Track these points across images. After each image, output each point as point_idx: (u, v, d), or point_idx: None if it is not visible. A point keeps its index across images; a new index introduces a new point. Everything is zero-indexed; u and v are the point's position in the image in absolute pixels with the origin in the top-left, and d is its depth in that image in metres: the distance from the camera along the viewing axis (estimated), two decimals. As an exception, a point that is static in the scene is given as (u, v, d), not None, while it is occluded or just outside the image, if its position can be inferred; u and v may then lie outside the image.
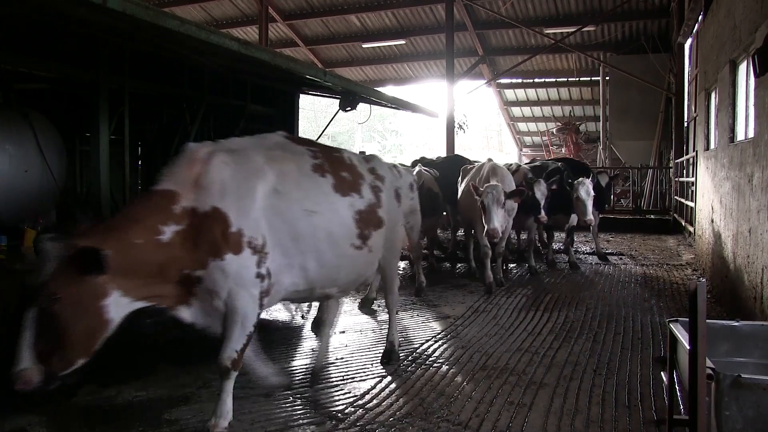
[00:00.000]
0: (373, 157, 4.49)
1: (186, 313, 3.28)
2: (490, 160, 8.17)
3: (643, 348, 5.13)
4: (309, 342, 5.47)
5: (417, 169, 8.89)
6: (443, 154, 17.70)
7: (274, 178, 3.46)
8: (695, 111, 11.97)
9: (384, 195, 4.20)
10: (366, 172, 4.14)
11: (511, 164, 9.50)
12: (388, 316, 4.93)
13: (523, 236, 10.49)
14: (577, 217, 8.55)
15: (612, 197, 9.63)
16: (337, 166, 3.89)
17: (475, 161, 9.73)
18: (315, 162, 3.76)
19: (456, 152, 17.34)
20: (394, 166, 5.64)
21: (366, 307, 6.76)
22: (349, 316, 6.41)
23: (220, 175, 3.32)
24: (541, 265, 9.13)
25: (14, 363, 2.71)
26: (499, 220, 6.96)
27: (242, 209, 3.30)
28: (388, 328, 4.90)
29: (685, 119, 15.23)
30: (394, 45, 22.36)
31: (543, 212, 8.13)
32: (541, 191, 8.13)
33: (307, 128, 33.03)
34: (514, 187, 7.47)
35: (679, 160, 14.50)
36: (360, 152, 10.89)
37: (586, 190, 8.24)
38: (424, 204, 8.14)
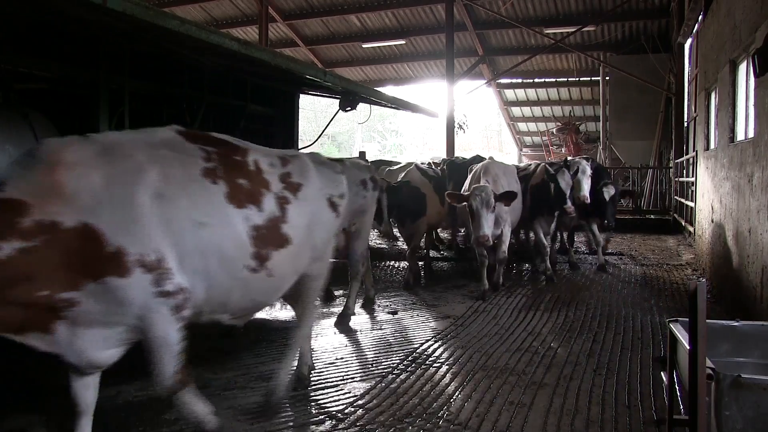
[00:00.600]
0: (295, 157, 3.79)
1: (42, 341, 2.74)
2: (491, 158, 8.04)
3: (643, 348, 5.13)
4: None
5: (411, 167, 8.58)
6: (443, 154, 17.75)
7: (158, 181, 2.92)
8: (695, 111, 11.98)
9: (295, 208, 3.53)
10: (275, 180, 3.51)
11: (530, 164, 9.21)
12: (293, 344, 4.11)
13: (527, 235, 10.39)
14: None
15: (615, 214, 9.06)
16: (234, 171, 3.31)
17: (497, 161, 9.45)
18: (206, 166, 3.18)
19: (456, 152, 17.35)
20: (340, 161, 5.29)
21: (366, 307, 6.77)
22: (349, 316, 6.40)
23: (90, 182, 2.75)
24: (544, 266, 8.93)
25: None
26: (489, 225, 6.41)
27: (121, 223, 2.78)
28: (281, 367, 3.97)
29: (685, 119, 15.24)
30: (394, 45, 22.38)
31: (569, 202, 7.74)
32: (565, 181, 7.76)
33: (307, 128, 33.07)
34: (514, 187, 7.14)
35: (679, 160, 14.51)
36: (360, 152, 10.90)
37: (582, 169, 8.18)
38: (409, 205, 7.70)
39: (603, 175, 8.83)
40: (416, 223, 7.92)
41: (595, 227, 8.90)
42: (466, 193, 6.63)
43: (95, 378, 3.03)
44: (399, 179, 8.22)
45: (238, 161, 3.41)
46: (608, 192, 8.44)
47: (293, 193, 3.57)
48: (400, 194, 7.60)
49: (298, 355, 4.26)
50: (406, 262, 8.88)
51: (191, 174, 3.11)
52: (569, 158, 9.31)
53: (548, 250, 8.30)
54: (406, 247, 8.77)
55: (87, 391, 3.01)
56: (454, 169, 9.42)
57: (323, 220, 3.81)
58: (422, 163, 9.78)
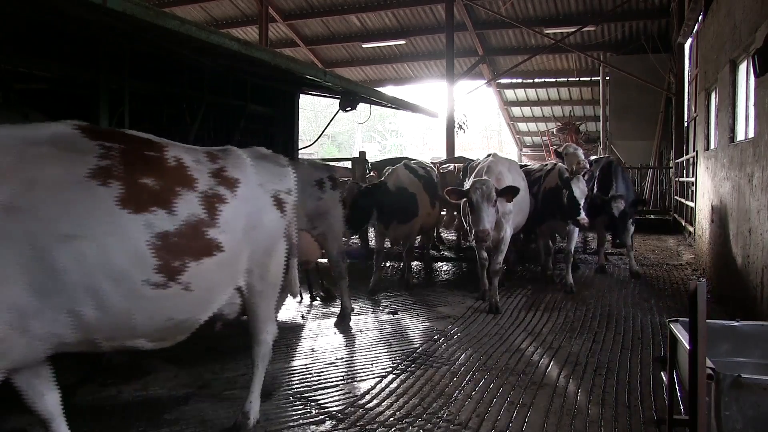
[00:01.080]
0: (226, 151, 3.35)
1: None
2: (495, 155, 7.55)
3: (643, 348, 5.13)
4: (309, 342, 5.47)
5: (398, 165, 7.95)
6: (443, 154, 17.74)
7: (11, 189, 2.49)
8: (695, 111, 11.98)
9: (231, 208, 3.09)
10: (204, 176, 3.06)
11: (546, 163, 8.76)
12: (256, 370, 3.65)
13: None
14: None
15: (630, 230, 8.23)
16: (139, 169, 2.81)
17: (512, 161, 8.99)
18: (100, 164, 2.69)
19: (456, 153, 17.35)
20: (295, 161, 5.07)
21: (326, 301, 7.01)
22: (349, 316, 6.41)
23: None
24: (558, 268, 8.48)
25: None
26: (490, 219, 6.08)
27: None
28: (249, 391, 3.63)
29: (685, 119, 15.24)
30: (394, 45, 22.38)
31: (583, 213, 6.97)
32: (580, 189, 7.02)
33: (307, 128, 33.10)
34: (520, 185, 6.73)
35: (679, 160, 14.51)
36: (360, 152, 10.86)
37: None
38: (396, 208, 7.22)
39: (616, 177, 8.16)
40: (408, 224, 7.45)
41: (602, 228, 8.53)
42: (466, 188, 6.37)
43: (47, 383, 2.81)
44: (383, 178, 7.73)
45: (150, 158, 2.92)
46: (617, 207, 7.67)
47: (230, 189, 3.13)
48: (384, 195, 7.15)
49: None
50: (414, 263, 8.82)
51: (72, 176, 2.63)
52: (558, 149, 9.20)
53: (551, 251, 8.02)
54: (393, 248, 8.62)
55: (42, 399, 2.80)
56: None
57: (267, 221, 3.33)
58: (412, 161, 9.04)
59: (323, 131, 9.64)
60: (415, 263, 8.76)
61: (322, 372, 4.60)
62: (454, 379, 4.42)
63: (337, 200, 5.69)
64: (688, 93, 15.14)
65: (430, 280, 8.47)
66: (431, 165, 9.77)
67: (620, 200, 7.75)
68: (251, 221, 3.22)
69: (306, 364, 4.78)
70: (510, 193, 6.29)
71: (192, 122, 7.47)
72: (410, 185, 7.52)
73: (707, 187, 8.71)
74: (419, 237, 8.83)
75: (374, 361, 4.84)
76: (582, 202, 7.00)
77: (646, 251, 10.91)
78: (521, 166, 8.74)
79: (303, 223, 5.33)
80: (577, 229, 7.55)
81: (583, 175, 7.48)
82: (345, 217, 6.19)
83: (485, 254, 6.91)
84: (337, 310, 6.53)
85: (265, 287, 3.42)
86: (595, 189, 8.25)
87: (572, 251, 7.76)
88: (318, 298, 7.24)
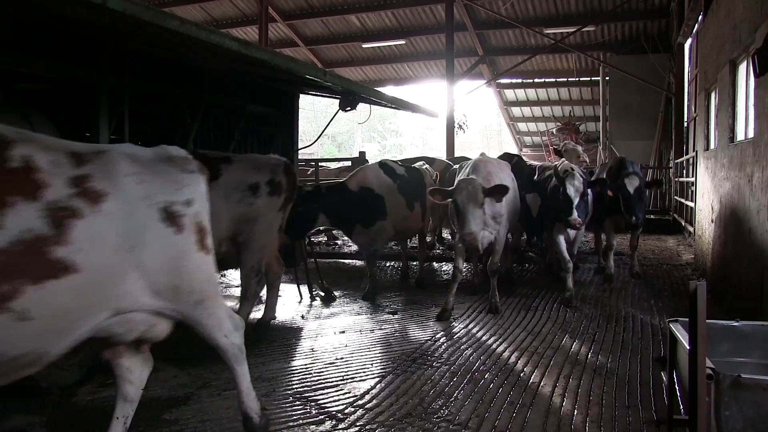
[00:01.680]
0: (101, 154, 2.76)
1: None
2: (483, 154, 7.24)
3: (643, 348, 5.14)
4: (309, 342, 5.47)
5: (373, 165, 7.59)
6: (443, 154, 17.75)
7: None
8: (695, 111, 11.99)
9: (90, 224, 2.54)
10: (58, 184, 2.50)
11: (556, 162, 8.22)
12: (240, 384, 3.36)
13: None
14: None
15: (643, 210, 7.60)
16: None
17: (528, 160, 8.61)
18: None
19: (456, 153, 17.36)
20: (233, 161, 4.77)
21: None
22: (348, 316, 6.42)
23: None
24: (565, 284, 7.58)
25: None
26: (477, 222, 5.73)
27: None
28: (239, 391, 3.34)
29: (685, 119, 15.26)
30: (394, 45, 22.39)
31: (576, 213, 6.45)
32: (574, 187, 6.49)
33: (307, 128, 33.11)
34: (508, 184, 6.23)
35: (679, 160, 14.52)
36: (360, 152, 10.82)
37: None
38: (357, 210, 6.86)
39: (626, 165, 7.64)
40: (373, 227, 6.95)
41: (611, 227, 8.01)
42: (450, 188, 6.01)
43: None
44: (344, 179, 7.36)
45: None
46: (632, 183, 7.18)
47: (91, 203, 2.57)
48: (339, 197, 6.79)
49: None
50: (413, 263, 8.73)
51: None
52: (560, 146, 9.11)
53: (569, 264, 7.09)
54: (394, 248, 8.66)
55: None
56: None
57: (153, 238, 2.76)
58: (395, 160, 8.69)
59: (323, 131, 9.62)
60: (414, 263, 8.74)
61: (322, 372, 4.60)
62: (454, 379, 4.42)
63: (273, 208, 5.18)
64: (688, 93, 15.16)
65: (430, 280, 8.47)
66: (449, 163, 9.67)
67: (634, 176, 7.31)
68: (129, 240, 2.69)
69: (306, 364, 4.79)
70: (498, 192, 5.90)
71: (192, 122, 7.47)
72: (378, 186, 7.00)
73: (707, 187, 8.71)
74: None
75: (374, 361, 4.85)
76: (576, 201, 6.52)
77: (646, 251, 10.92)
78: (528, 165, 8.70)
79: (225, 230, 4.96)
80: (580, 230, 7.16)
81: (587, 175, 7.11)
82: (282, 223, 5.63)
83: (462, 263, 6.48)
84: (337, 310, 6.54)
85: (186, 306, 2.96)
86: (608, 191, 7.64)
87: (574, 253, 7.51)
88: (318, 298, 7.24)
